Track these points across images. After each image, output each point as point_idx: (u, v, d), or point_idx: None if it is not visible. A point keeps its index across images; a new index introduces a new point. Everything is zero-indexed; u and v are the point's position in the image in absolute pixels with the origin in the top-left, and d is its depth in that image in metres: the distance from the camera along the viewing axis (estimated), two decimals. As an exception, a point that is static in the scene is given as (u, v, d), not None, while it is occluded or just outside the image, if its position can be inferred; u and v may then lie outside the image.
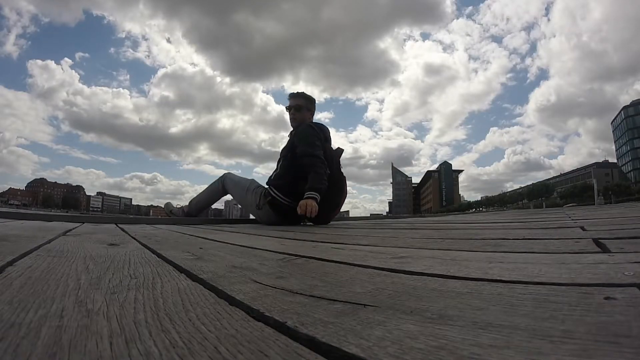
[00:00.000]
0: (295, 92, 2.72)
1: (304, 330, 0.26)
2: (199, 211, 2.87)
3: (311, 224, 2.40)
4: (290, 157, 2.44)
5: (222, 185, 2.75)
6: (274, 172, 2.56)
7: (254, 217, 2.68)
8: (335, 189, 2.41)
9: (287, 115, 2.68)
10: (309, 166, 2.28)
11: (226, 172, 2.79)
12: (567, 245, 0.71)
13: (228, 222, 2.89)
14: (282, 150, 2.59)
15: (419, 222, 2.65)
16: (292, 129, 2.64)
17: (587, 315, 0.27)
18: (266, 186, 2.51)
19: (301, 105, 2.64)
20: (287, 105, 2.67)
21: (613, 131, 73.12)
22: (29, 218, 2.12)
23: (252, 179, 2.71)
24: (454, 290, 0.37)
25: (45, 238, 0.93)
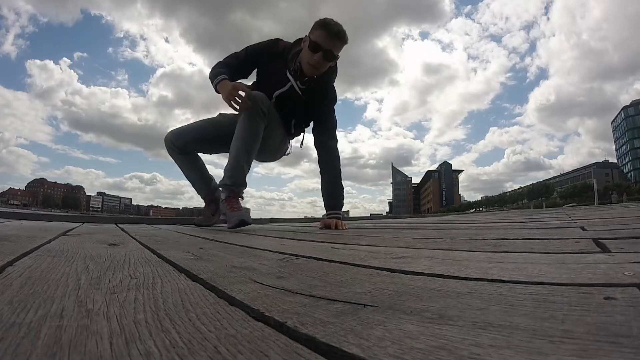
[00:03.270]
0: (345, 32, 1.68)
1: (304, 330, 0.26)
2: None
3: None
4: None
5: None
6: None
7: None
8: None
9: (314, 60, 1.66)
10: (335, 168, 1.88)
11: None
12: (567, 245, 0.71)
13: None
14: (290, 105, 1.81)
15: (419, 222, 2.65)
16: (305, 77, 1.76)
17: (587, 315, 0.27)
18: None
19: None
20: (326, 47, 1.65)
21: (613, 131, 73.20)
22: (29, 218, 2.12)
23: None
24: (454, 290, 0.37)
25: (45, 238, 0.93)
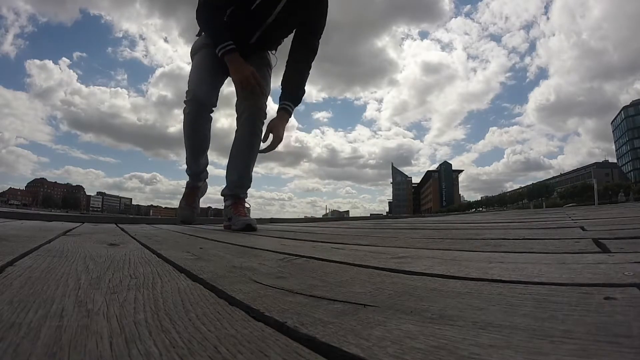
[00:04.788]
0: None
1: (304, 330, 0.26)
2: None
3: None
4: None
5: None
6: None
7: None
8: None
9: None
10: (309, 62, 1.75)
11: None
12: (567, 245, 0.71)
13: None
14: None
15: (419, 222, 2.65)
16: None
17: (587, 315, 0.27)
18: None
19: None
20: None
21: (613, 131, 73.24)
22: (29, 218, 2.12)
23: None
24: (454, 290, 0.37)
25: (45, 238, 0.93)
